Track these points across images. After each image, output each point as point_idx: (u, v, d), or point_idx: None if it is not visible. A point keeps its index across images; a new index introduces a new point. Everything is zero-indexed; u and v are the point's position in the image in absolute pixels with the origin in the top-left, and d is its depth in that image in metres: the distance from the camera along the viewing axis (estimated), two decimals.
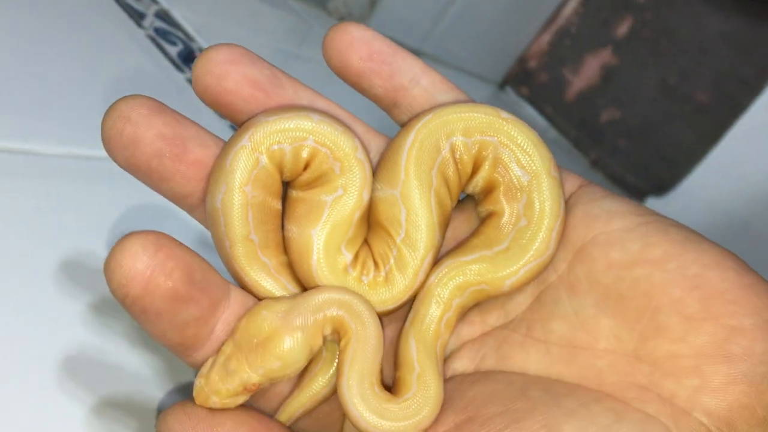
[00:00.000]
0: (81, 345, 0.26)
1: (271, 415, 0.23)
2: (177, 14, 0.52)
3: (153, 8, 0.50)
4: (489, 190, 0.24)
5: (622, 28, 0.88)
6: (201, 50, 0.23)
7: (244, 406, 0.22)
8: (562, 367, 0.22)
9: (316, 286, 0.22)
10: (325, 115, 0.22)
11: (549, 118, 0.94)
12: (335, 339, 0.22)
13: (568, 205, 0.24)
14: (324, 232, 0.22)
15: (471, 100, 0.24)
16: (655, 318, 0.21)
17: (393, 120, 0.24)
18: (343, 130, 0.22)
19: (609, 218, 0.23)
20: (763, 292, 0.21)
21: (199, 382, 0.21)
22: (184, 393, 0.28)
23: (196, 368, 0.22)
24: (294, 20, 0.66)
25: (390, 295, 0.23)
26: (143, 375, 0.27)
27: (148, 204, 0.33)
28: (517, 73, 0.96)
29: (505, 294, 0.23)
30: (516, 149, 0.23)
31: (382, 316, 0.23)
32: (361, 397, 0.21)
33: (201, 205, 0.22)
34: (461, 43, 0.83)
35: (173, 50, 0.48)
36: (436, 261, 0.24)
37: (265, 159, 0.21)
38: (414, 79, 0.24)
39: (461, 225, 0.25)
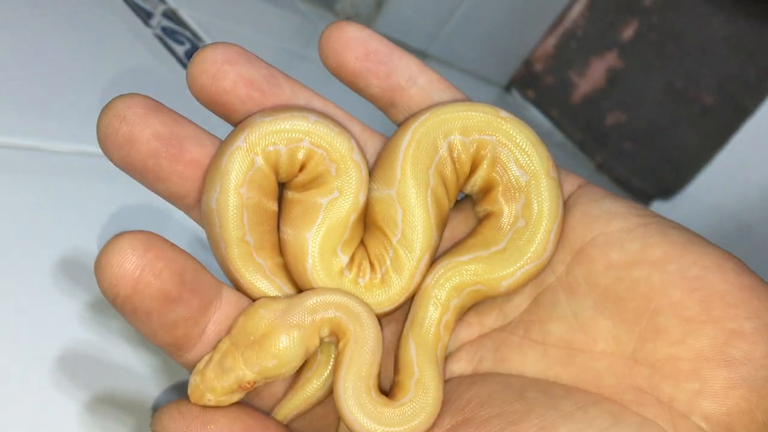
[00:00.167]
0: (78, 343, 0.26)
1: (267, 413, 0.23)
2: (184, 13, 0.52)
3: (160, 7, 0.51)
4: (487, 190, 0.23)
5: (628, 31, 0.88)
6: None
7: (239, 404, 0.22)
8: (559, 369, 0.22)
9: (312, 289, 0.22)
10: (322, 115, 0.22)
11: (555, 121, 0.93)
12: (333, 341, 0.22)
13: (567, 205, 0.23)
14: (319, 235, 0.22)
15: (468, 100, 0.24)
16: (655, 320, 0.21)
17: (390, 120, 0.24)
18: (340, 131, 0.22)
19: (608, 219, 0.22)
20: (764, 295, 0.20)
21: (194, 380, 0.21)
22: (180, 391, 0.28)
23: (189, 369, 0.22)
24: (301, 21, 0.67)
25: (386, 297, 0.22)
26: (140, 373, 0.27)
27: (148, 202, 0.33)
28: (522, 75, 0.95)
29: (501, 295, 0.23)
30: (515, 149, 0.23)
31: (379, 318, 0.23)
32: (356, 400, 0.21)
33: (197, 205, 0.22)
34: (467, 46, 0.83)
35: (180, 49, 0.48)
36: (433, 261, 0.23)
37: (260, 160, 0.21)
38: (411, 79, 0.23)
39: (459, 225, 0.25)
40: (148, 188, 0.22)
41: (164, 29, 0.49)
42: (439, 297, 0.23)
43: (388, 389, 0.23)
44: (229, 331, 0.21)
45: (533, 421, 0.20)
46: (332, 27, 0.23)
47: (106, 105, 0.21)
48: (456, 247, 0.24)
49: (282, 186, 0.23)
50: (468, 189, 0.24)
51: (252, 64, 0.22)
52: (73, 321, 0.27)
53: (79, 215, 0.31)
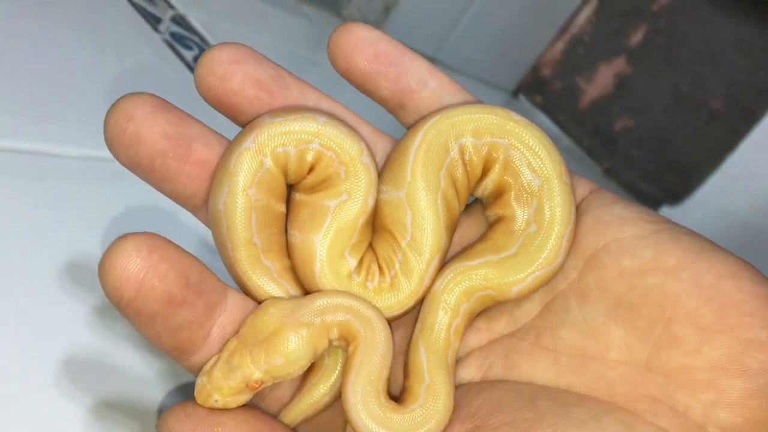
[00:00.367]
0: (82, 347, 0.26)
1: (274, 416, 0.23)
2: (193, 19, 0.52)
3: (169, 13, 0.51)
4: (498, 194, 0.23)
5: (636, 37, 0.88)
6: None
7: (247, 406, 0.21)
8: (571, 376, 0.22)
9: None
10: (331, 117, 0.22)
11: (562, 127, 0.93)
12: (342, 345, 0.22)
13: (578, 210, 0.23)
14: (327, 239, 0.22)
15: (480, 102, 0.24)
16: (669, 328, 0.20)
17: (399, 123, 0.24)
18: (349, 133, 0.22)
19: (620, 225, 0.22)
20: None
21: (200, 381, 0.21)
22: (185, 393, 0.27)
23: (194, 372, 0.21)
24: (308, 26, 0.67)
25: (395, 301, 0.22)
26: (144, 377, 0.27)
27: (153, 205, 0.33)
28: (530, 81, 0.95)
29: (511, 300, 0.23)
30: (527, 152, 0.22)
31: (389, 323, 0.22)
32: (365, 405, 0.21)
33: (205, 206, 0.22)
34: (475, 51, 0.83)
35: (189, 54, 0.48)
36: (443, 265, 0.23)
37: (269, 162, 0.21)
38: (421, 81, 0.23)
39: (469, 229, 0.24)
40: (154, 188, 0.22)
41: (173, 34, 0.49)
42: (448, 302, 0.22)
43: (396, 394, 0.23)
44: (237, 331, 0.21)
45: (545, 430, 0.20)
46: (341, 28, 0.22)
47: (114, 104, 0.21)
48: (466, 251, 0.23)
49: (290, 188, 0.23)
50: (479, 192, 0.24)
51: (260, 65, 0.22)
52: (77, 324, 0.26)
53: (84, 219, 0.31)
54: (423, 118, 0.23)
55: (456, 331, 0.22)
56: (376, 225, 0.23)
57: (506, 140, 0.22)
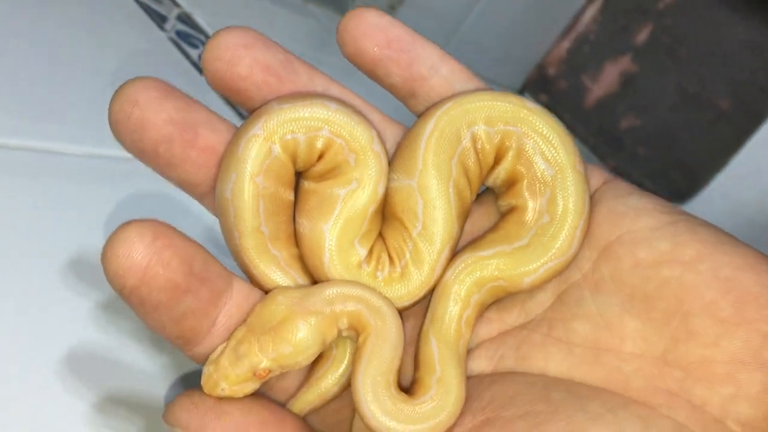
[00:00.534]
0: (86, 343, 0.26)
1: (282, 405, 0.22)
2: (199, 17, 0.52)
3: (175, 11, 0.51)
4: (511, 183, 0.23)
5: (642, 35, 0.88)
6: None
7: (255, 395, 0.21)
8: (585, 369, 0.21)
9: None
10: (342, 103, 0.21)
11: (568, 125, 0.93)
12: (352, 335, 0.22)
13: (592, 201, 0.23)
14: (336, 228, 0.21)
15: (492, 90, 0.23)
16: (686, 321, 0.20)
17: (410, 110, 0.23)
18: (360, 120, 0.21)
19: (635, 216, 0.22)
20: None
21: (207, 369, 0.20)
22: (188, 383, 0.27)
23: (200, 362, 0.21)
24: (314, 25, 0.67)
25: (406, 291, 0.22)
26: (149, 373, 0.26)
27: (157, 202, 0.33)
28: (535, 79, 0.95)
29: (524, 291, 0.22)
30: (541, 141, 0.22)
31: (400, 313, 0.22)
32: (375, 396, 0.21)
33: (211, 194, 0.22)
34: (480, 50, 0.83)
35: (195, 53, 0.48)
36: (454, 255, 0.23)
37: (278, 148, 0.21)
38: (433, 68, 0.22)
39: (480, 219, 0.24)
40: (160, 175, 0.21)
41: (178, 33, 0.49)
42: (459, 292, 0.22)
43: (407, 386, 0.23)
44: (243, 320, 0.21)
45: (560, 423, 0.19)
46: (352, 13, 0.22)
47: (119, 88, 0.20)
48: (477, 241, 0.23)
49: (299, 176, 0.22)
50: (491, 182, 0.23)
51: (269, 49, 0.21)
52: (80, 320, 0.26)
53: (87, 216, 0.30)
54: (435, 105, 0.22)
55: (467, 322, 0.22)
56: (386, 214, 0.22)
57: (519, 128, 0.22)
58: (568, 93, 0.93)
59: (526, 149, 0.22)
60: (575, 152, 0.22)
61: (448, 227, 0.22)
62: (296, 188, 0.22)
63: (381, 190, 0.22)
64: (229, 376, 0.20)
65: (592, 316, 0.22)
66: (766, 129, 0.79)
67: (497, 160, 0.23)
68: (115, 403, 0.25)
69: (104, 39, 0.42)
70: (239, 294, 0.21)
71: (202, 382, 0.20)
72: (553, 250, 0.22)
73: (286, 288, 0.21)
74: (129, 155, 0.21)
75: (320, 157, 0.21)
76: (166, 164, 0.21)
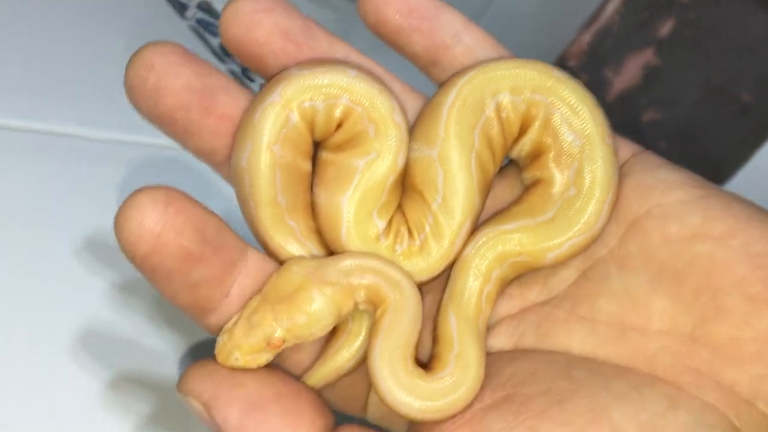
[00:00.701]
0: (101, 322, 0.26)
1: (298, 378, 0.22)
2: (219, 6, 0.52)
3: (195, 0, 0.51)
4: (536, 155, 0.22)
5: (665, 28, 0.87)
6: None
7: (270, 367, 0.20)
8: (609, 348, 0.21)
9: None
10: (362, 71, 0.21)
11: None
12: (369, 309, 0.21)
13: (620, 173, 0.22)
14: (354, 200, 0.21)
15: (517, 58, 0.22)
16: (716, 298, 0.19)
17: (431, 80, 0.23)
18: (381, 89, 0.21)
19: (665, 189, 0.21)
20: None
21: (221, 339, 0.20)
22: (201, 353, 0.27)
23: (213, 333, 0.21)
24: (336, 16, 0.66)
25: (425, 266, 0.21)
26: (162, 351, 0.26)
27: (177, 186, 0.33)
28: None
29: (547, 267, 0.22)
30: (568, 111, 0.21)
31: (419, 288, 0.22)
32: (391, 371, 0.20)
33: (227, 162, 0.21)
34: (501, 42, 0.83)
35: (215, 41, 0.48)
36: (475, 229, 0.22)
37: (296, 117, 0.20)
38: (456, 36, 0.22)
39: (503, 192, 0.23)
40: (176, 142, 0.21)
41: (199, 21, 0.49)
42: (480, 267, 0.22)
43: (425, 361, 0.22)
44: (258, 290, 0.20)
45: (582, 401, 0.19)
46: None
47: (135, 52, 0.20)
48: (500, 215, 0.22)
49: (317, 145, 0.22)
50: (515, 153, 0.22)
51: (288, 14, 0.21)
52: (95, 300, 0.26)
53: (102, 198, 0.30)
54: (458, 73, 0.22)
55: (488, 297, 0.22)
56: (405, 185, 0.22)
57: (546, 98, 0.21)
58: (590, 86, 0.91)
59: (553, 120, 0.21)
60: (604, 123, 0.22)
61: (469, 200, 0.21)
62: (314, 159, 0.22)
63: (401, 161, 0.21)
64: (242, 345, 0.20)
65: (617, 293, 0.21)
66: None
67: (522, 130, 0.22)
68: (128, 381, 0.25)
69: (125, 27, 0.43)
70: (254, 264, 0.21)
71: (215, 352, 0.20)
72: (579, 225, 0.21)
73: (302, 258, 0.21)
74: (148, 140, 0.21)
75: (339, 126, 0.21)
76: (182, 131, 0.20)
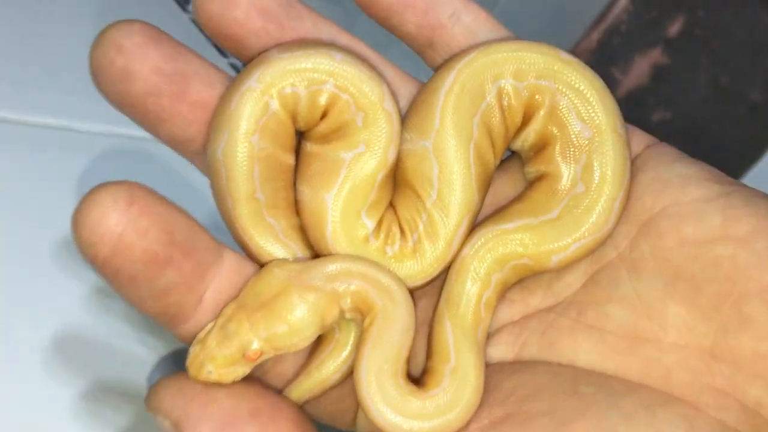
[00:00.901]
0: (77, 327, 0.25)
1: (279, 391, 0.20)
2: None
3: None
4: (541, 147, 0.20)
5: (674, 27, 0.86)
6: None
7: (249, 380, 0.19)
8: (619, 360, 0.19)
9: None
10: (349, 54, 0.19)
11: None
12: (356, 318, 0.20)
13: (633, 168, 0.20)
14: (341, 197, 0.19)
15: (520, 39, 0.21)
16: (739, 307, 0.18)
17: (426, 63, 0.21)
18: (370, 74, 0.19)
19: (682, 185, 0.19)
20: None
21: (193, 350, 0.18)
22: (178, 364, 0.26)
23: (187, 343, 0.19)
24: (340, 11, 0.66)
25: (419, 269, 0.20)
26: (141, 358, 0.25)
27: (164, 182, 0.33)
28: None
29: (551, 271, 0.20)
30: (577, 98, 0.20)
31: (412, 293, 0.20)
32: (379, 387, 0.19)
33: (204, 153, 0.20)
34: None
35: None
36: (473, 228, 0.20)
37: (275, 104, 0.19)
38: (454, 15, 0.20)
39: (504, 187, 0.22)
40: (147, 131, 0.19)
41: None
42: (478, 270, 0.20)
43: (417, 376, 0.21)
44: (237, 295, 0.19)
45: (590, 422, 0.17)
46: None
47: (101, 32, 0.18)
48: (500, 213, 0.21)
49: (300, 136, 0.20)
50: (518, 145, 0.21)
51: None
52: (71, 304, 0.26)
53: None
54: (456, 56, 0.20)
55: (487, 304, 0.20)
56: (397, 180, 0.20)
57: (553, 83, 0.20)
58: None
59: (560, 107, 0.20)
60: (616, 112, 0.20)
61: (466, 196, 0.20)
62: (297, 151, 0.20)
63: (392, 155, 0.20)
64: (215, 357, 0.18)
65: (629, 300, 0.19)
66: None
67: (526, 119, 0.20)
68: (103, 389, 0.24)
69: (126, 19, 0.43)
70: (230, 267, 0.19)
71: (187, 364, 0.18)
72: (587, 225, 0.19)
73: (284, 261, 0.19)
74: (131, 133, 0.19)
75: (324, 115, 0.19)
76: (154, 119, 0.19)
